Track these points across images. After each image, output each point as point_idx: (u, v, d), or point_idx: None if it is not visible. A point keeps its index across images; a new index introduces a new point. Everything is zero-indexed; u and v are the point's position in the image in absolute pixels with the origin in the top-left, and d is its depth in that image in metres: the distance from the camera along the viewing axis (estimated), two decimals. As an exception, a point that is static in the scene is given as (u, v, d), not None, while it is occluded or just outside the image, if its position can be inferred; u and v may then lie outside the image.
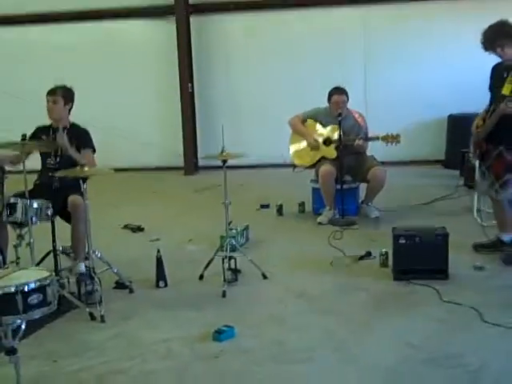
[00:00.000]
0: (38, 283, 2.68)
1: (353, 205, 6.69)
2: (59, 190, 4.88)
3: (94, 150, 5.07)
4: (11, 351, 2.71)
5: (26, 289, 2.62)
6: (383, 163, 6.81)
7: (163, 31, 10.47)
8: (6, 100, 10.19)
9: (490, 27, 4.74)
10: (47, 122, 5.09)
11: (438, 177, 9.00)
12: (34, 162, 4.99)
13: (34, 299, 2.65)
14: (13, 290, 2.59)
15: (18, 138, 4.24)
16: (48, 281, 2.71)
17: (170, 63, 10.23)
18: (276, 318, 4.11)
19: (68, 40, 10.61)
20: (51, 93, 4.96)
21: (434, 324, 3.87)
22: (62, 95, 4.96)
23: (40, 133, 5.01)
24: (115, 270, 4.66)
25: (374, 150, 6.88)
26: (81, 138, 4.99)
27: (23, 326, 2.69)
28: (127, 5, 10.30)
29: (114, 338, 3.89)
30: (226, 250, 4.82)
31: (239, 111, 10.54)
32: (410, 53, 9.87)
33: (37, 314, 2.67)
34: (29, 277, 2.74)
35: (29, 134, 4.83)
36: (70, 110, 5.06)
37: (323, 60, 9.95)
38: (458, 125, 9.31)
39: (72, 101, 5.05)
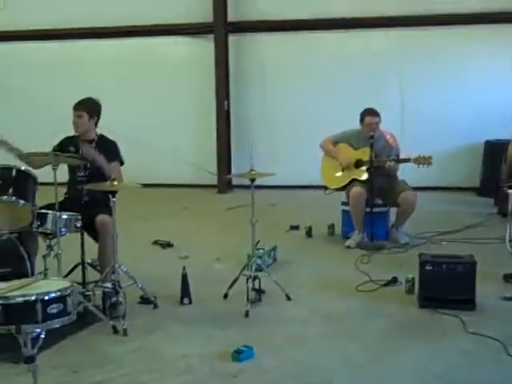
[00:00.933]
0: (58, 293, 2.71)
1: (382, 229, 6.63)
2: (88, 203, 4.92)
3: (122, 163, 5.11)
4: (30, 360, 2.73)
5: (46, 298, 2.66)
6: (416, 188, 6.75)
7: (201, 49, 10.60)
8: (41, 112, 10.47)
9: None
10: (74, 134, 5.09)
11: (472, 204, 8.88)
12: (62, 174, 5.01)
13: (53, 308, 2.69)
14: (33, 298, 2.63)
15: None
16: (68, 291, 2.75)
17: (207, 80, 10.33)
18: (297, 339, 4.09)
19: (108, 56, 10.84)
20: (76, 107, 4.96)
21: (457, 355, 3.81)
22: (87, 110, 4.95)
23: (67, 143, 4.97)
24: (140, 285, 4.69)
25: (407, 174, 6.83)
26: (108, 150, 5.00)
27: (42, 335, 2.73)
28: (167, 22, 10.42)
29: (135, 352, 3.92)
30: (251, 270, 4.82)
31: (274, 130, 10.57)
32: (446, 77, 9.80)
33: (56, 323, 2.71)
34: (50, 286, 2.78)
35: (55, 143, 4.93)
36: (96, 123, 5.06)
37: (359, 82, 9.91)
38: (494, 151, 9.15)
39: (98, 114, 5.03)
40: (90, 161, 4.86)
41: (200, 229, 7.57)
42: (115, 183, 4.38)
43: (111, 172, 4.69)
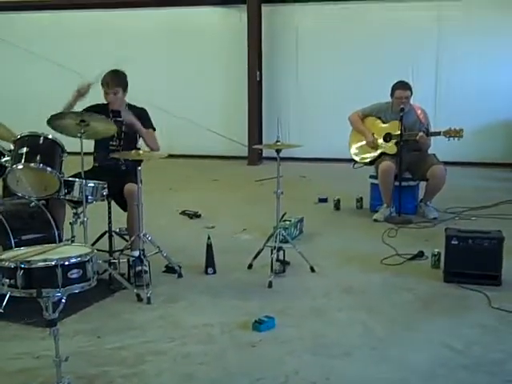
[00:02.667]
0: (78, 259, 2.75)
1: (411, 203, 6.58)
2: (122, 172, 4.94)
3: (154, 129, 5.10)
4: (51, 324, 2.78)
5: (66, 263, 2.70)
6: (450, 163, 6.65)
7: (234, 19, 10.56)
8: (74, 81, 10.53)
9: None
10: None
11: (507, 180, 8.73)
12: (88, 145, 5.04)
13: (73, 274, 2.72)
14: (53, 263, 2.67)
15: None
16: (88, 257, 2.78)
17: (240, 51, 10.30)
18: (319, 311, 4.09)
19: (140, 26, 10.86)
20: (109, 85, 4.88)
21: (479, 330, 3.76)
22: (122, 85, 4.93)
23: (99, 110, 4.83)
24: (165, 254, 4.73)
25: (441, 149, 6.73)
26: (141, 118, 4.98)
27: (64, 300, 2.77)
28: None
29: (157, 320, 3.97)
30: (276, 241, 4.82)
31: (306, 102, 10.52)
32: (485, 50, 9.59)
33: (76, 288, 2.75)
34: (71, 252, 2.82)
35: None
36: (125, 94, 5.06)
37: (394, 55, 9.78)
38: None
39: (127, 85, 5.01)
40: (129, 125, 4.86)
41: (228, 200, 7.59)
42: (141, 152, 4.40)
43: (148, 138, 4.79)
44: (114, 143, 5.00)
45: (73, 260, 2.75)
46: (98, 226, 4.97)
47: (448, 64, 9.81)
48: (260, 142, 10.26)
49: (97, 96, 4.93)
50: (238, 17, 10.44)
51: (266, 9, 10.39)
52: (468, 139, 6.54)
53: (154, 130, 5.10)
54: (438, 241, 5.05)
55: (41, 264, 2.71)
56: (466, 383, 3.14)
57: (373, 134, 6.61)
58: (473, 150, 9.41)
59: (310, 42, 10.41)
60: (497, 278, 4.45)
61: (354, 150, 6.80)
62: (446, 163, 6.55)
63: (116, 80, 4.94)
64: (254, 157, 10.40)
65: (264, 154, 10.51)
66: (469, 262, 4.47)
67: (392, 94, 6.49)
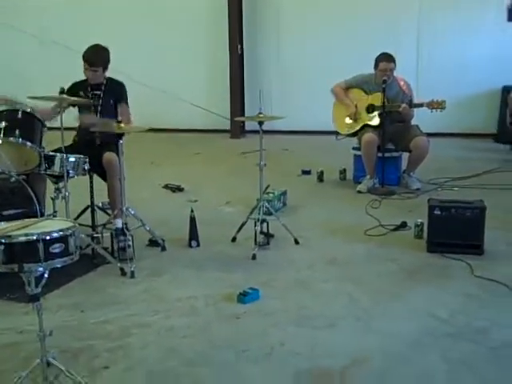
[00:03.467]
0: (60, 233, 2.71)
1: (394, 174, 6.59)
2: (98, 146, 4.94)
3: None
4: (34, 298, 2.76)
5: (47, 237, 2.66)
6: (431, 134, 6.66)
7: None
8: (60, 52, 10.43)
9: None
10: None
11: (488, 150, 8.76)
12: (71, 117, 5.00)
13: (55, 248, 2.68)
14: (35, 237, 2.63)
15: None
16: (70, 231, 2.74)
17: (220, 24, 10.17)
18: (303, 283, 4.10)
19: (120, 0, 10.66)
20: (90, 62, 4.89)
21: (462, 298, 3.80)
22: (102, 64, 4.94)
23: (77, 87, 4.98)
24: (148, 228, 4.71)
25: (423, 120, 6.72)
26: (117, 92, 5.05)
27: (46, 275, 2.74)
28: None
29: (141, 294, 3.96)
30: (260, 214, 4.81)
31: (288, 75, 10.42)
32: (464, 21, 9.58)
33: (58, 263, 2.71)
34: (53, 226, 2.78)
35: (66, 87, 4.84)
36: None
37: (375, 27, 9.69)
38: (512, 97, 9.00)
39: (109, 62, 5.01)
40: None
41: (211, 174, 7.56)
42: (122, 125, 4.36)
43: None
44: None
45: (54, 234, 2.71)
46: (80, 200, 4.93)
47: (429, 36, 9.76)
48: (242, 115, 10.17)
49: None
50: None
51: (246, -21, 10.26)
52: (450, 110, 6.54)
53: (126, 104, 5.08)
54: (421, 211, 5.08)
55: (22, 239, 2.67)
56: (451, 351, 3.16)
57: (356, 105, 6.58)
58: (454, 121, 9.41)
59: (292, 15, 10.28)
60: (479, 247, 4.48)
61: (336, 121, 6.78)
62: (429, 134, 6.56)
63: (96, 59, 4.93)
64: (237, 130, 10.33)
65: (247, 127, 10.45)
66: (451, 232, 4.49)
67: (376, 66, 6.45)
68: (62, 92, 4.36)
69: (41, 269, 2.68)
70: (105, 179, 4.87)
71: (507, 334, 3.32)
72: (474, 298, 3.79)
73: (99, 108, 4.98)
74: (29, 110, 4.40)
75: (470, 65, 9.60)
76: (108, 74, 5.09)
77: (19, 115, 4.34)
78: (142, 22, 10.52)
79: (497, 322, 3.45)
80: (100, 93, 4.99)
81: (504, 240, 4.78)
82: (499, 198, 5.83)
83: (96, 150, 4.86)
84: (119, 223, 4.66)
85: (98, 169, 4.81)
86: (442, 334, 3.34)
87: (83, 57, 4.93)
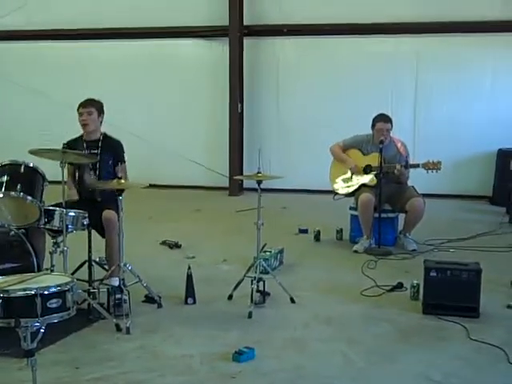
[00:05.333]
0: (58, 288, 2.74)
1: (390, 235, 6.63)
2: (98, 203, 4.99)
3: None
4: (29, 354, 2.76)
5: (45, 292, 2.68)
6: (427, 195, 6.73)
7: (216, 51, 10.63)
8: (55, 111, 10.59)
9: None
10: (76, 135, 5.17)
11: (484, 212, 8.83)
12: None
13: (53, 303, 2.71)
14: (33, 292, 2.66)
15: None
16: (68, 286, 2.77)
17: (221, 83, 10.36)
18: (299, 342, 4.09)
19: (123, 57, 10.91)
20: (84, 105, 5.03)
21: (458, 361, 3.79)
22: (95, 107, 5.04)
23: (73, 146, 4.90)
24: (145, 284, 4.71)
25: (419, 181, 6.81)
26: (116, 151, 5.11)
27: (42, 330, 2.75)
28: (182, 24, 10.47)
29: (136, 350, 3.94)
30: (256, 272, 4.82)
31: (287, 134, 10.57)
32: (461, 85, 9.80)
33: (55, 318, 2.74)
34: (51, 281, 2.81)
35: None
36: (101, 122, 5.14)
37: (374, 88, 9.91)
38: (507, 160, 9.14)
39: (103, 112, 5.12)
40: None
41: (209, 231, 7.58)
42: (122, 181, 4.42)
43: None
44: (91, 175, 5.04)
45: (52, 289, 2.74)
46: (77, 255, 4.94)
47: (425, 98, 9.95)
48: (241, 173, 10.27)
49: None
50: (220, 49, 10.53)
51: (247, 41, 10.49)
52: (446, 172, 6.63)
53: (124, 162, 5.14)
54: (417, 272, 5.08)
55: (20, 293, 2.70)
56: (444, 415, 3.15)
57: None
58: (450, 183, 9.53)
59: (291, 74, 10.50)
60: (475, 309, 4.48)
61: (334, 181, 6.86)
62: (425, 195, 6.62)
63: (90, 101, 5.06)
64: (235, 187, 10.41)
65: (245, 185, 10.52)
66: (447, 294, 4.50)
67: (373, 126, 6.58)
68: (64, 147, 4.41)
69: (37, 324, 2.70)
70: (103, 236, 4.90)
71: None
72: (469, 362, 3.78)
73: (97, 166, 5.01)
74: (31, 164, 4.47)
75: (466, 127, 9.78)
76: (107, 129, 5.19)
77: (21, 169, 4.42)
78: (145, 81, 10.73)
79: (493, 387, 3.44)
80: (97, 151, 5.03)
81: (500, 303, 4.78)
82: (495, 261, 5.86)
83: (96, 206, 4.90)
84: (116, 282, 4.66)
85: (97, 225, 4.84)
86: (437, 398, 3.33)
87: (77, 107, 5.04)
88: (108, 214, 4.74)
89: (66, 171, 4.44)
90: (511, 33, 9.45)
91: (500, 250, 6.37)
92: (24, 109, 11.13)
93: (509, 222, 7.75)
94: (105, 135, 5.16)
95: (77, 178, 5.13)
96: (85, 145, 5.05)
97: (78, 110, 5.05)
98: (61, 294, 2.75)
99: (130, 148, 5.28)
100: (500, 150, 9.46)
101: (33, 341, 2.74)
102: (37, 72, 11.10)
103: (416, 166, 6.45)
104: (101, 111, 5.08)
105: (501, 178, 9.33)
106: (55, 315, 2.73)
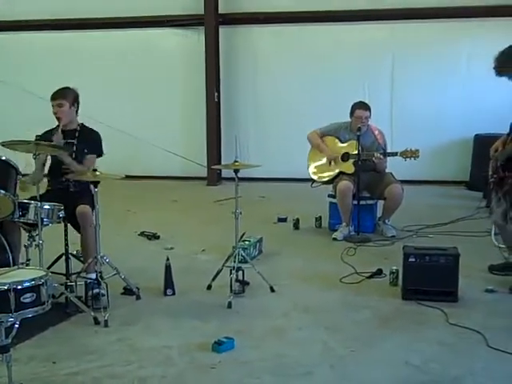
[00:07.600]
0: (32, 282, 2.69)
1: (369, 222, 6.64)
2: (71, 193, 4.91)
3: (101, 155, 5.07)
4: (3, 349, 2.71)
5: (19, 287, 2.63)
6: (405, 182, 6.75)
7: (192, 40, 10.57)
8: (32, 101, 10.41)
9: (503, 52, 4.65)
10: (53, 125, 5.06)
11: (461, 198, 8.88)
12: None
13: (27, 298, 2.67)
14: (6, 287, 2.61)
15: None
16: (42, 280, 2.72)
17: (198, 72, 10.31)
18: (278, 331, 4.08)
19: (97, 47, 10.76)
20: (54, 97, 4.91)
21: (437, 346, 3.80)
22: (66, 98, 4.91)
23: (49, 135, 4.85)
24: (123, 276, 4.67)
25: (397, 168, 6.80)
26: (91, 141, 5.02)
27: (16, 325, 2.70)
28: (157, 14, 10.37)
29: (114, 343, 3.90)
30: (235, 261, 4.80)
31: (265, 122, 10.57)
32: (436, 72, 9.81)
33: (29, 313, 2.69)
34: (25, 276, 2.76)
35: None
36: (77, 111, 5.03)
37: (350, 74, 9.93)
38: (484, 145, 9.10)
39: (77, 102, 5.00)
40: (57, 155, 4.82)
41: (187, 221, 7.55)
42: (97, 173, 4.36)
43: (76, 167, 4.77)
44: (66, 166, 4.95)
45: (26, 284, 2.69)
46: (54, 248, 4.87)
47: (402, 86, 9.98)
48: (219, 163, 10.20)
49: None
50: (196, 39, 10.46)
51: (223, 30, 10.43)
52: (423, 158, 6.64)
53: (101, 155, 5.06)
54: (396, 258, 5.09)
55: (-7, 288, 2.65)
56: (424, 400, 3.15)
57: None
58: (428, 169, 9.57)
59: (268, 62, 10.48)
60: (454, 294, 4.51)
61: (312, 168, 6.85)
62: (403, 182, 6.64)
63: (60, 93, 4.94)
64: (213, 177, 10.37)
65: (223, 175, 10.48)
66: (426, 279, 4.52)
67: (351, 114, 6.56)
68: (37, 139, 4.33)
69: (11, 319, 2.65)
70: (78, 230, 4.82)
71: (481, 382, 3.31)
72: (448, 346, 3.80)
73: (73, 156, 4.90)
74: (3, 157, 4.39)
75: (443, 114, 9.82)
76: (83, 120, 5.11)
77: (-7, 163, 4.34)
78: (120, 71, 10.64)
79: (471, 371, 3.45)
80: (73, 140, 4.94)
81: (478, 286, 4.82)
82: (473, 245, 5.90)
83: (70, 197, 4.80)
84: (93, 276, 4.60)
85: (72, 219, 4.75)
86: (417, 383, 3.33)
87: (50, 97, 4.94)
88: (82, 208, 4.65)
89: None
90: (485, 18, 9.49)
91: (477, 235, 6.41)
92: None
93: (486, 206, 7.79)
94: (82, 125, 5.07)
95: (49, 167, 5.02)
96: (61, 134, 4.91)
97: (50, 99, 4.95)
98: (35, 289, 2.70)
99: (104, 138, 5.20)
100: (476, 136, 9.51)
101: (7, 336, 2.69)
102: (15, 63, 10.96)
103: (394, 154, 6.45)
104: (73, 101, 4.96)
105: (477, 163, 9.36)
106: (29, 310, 2.68)
